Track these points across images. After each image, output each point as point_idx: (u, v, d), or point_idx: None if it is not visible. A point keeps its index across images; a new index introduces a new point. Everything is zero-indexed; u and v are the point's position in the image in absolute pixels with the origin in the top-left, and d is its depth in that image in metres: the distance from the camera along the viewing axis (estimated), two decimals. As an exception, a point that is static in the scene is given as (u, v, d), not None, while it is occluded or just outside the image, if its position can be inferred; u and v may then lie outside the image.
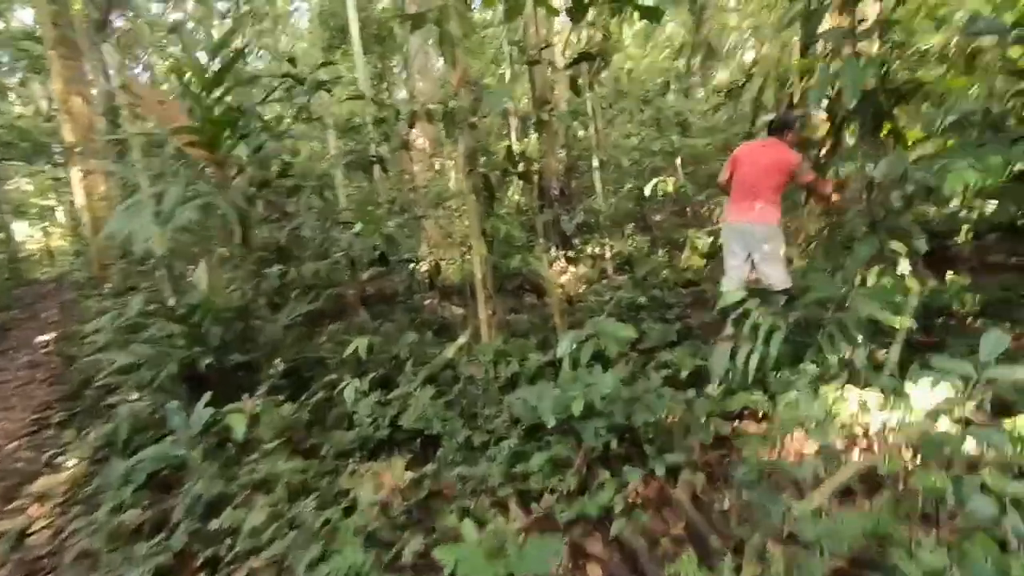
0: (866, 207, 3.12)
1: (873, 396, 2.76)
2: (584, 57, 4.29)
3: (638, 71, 11.79)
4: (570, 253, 7.65)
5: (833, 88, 3.32)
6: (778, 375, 2.99)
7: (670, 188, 6.53)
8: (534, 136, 9.09)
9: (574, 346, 3.60)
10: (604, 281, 6.92)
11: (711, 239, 7.37)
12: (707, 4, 12.26)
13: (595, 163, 7.01)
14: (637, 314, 4.79)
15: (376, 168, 6.56)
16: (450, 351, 3.90)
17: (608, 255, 6.88)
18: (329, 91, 5.38)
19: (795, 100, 10.02)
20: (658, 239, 7.59)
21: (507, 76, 9.86)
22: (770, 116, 4.76)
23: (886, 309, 2.91)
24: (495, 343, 3.83)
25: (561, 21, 8.27)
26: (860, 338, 2.85)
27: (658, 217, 7.61)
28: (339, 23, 17.56)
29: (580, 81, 5.34)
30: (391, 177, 6.90)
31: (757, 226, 4.21)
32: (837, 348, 2.93)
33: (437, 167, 8.24)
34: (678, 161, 7.15)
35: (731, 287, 4.41)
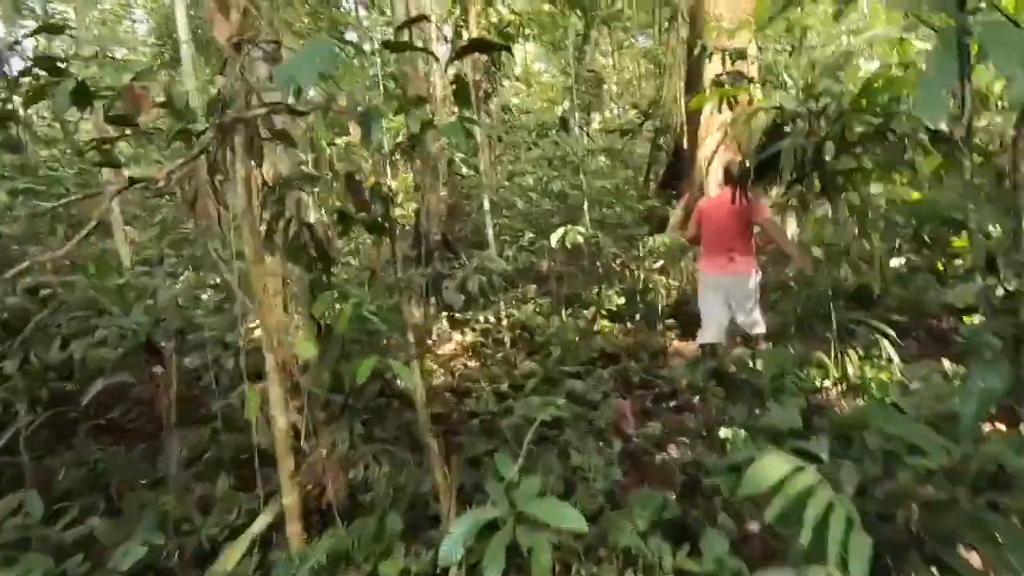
0: (987, 307, 1.84)
1: None
2: (478, 46, 2.77)
3: (526, 105, 10.76)
4: (455, 314, 6.03)
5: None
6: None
7: (580, 239, 5.20)
8: (407, 170, 7.46)
9: (469, 543, 1.93)
10: (500, 355, 5.35)
11: (623, 299, 6.17)
12: (585, 51, 11.76)
13: (485, 204, 5.52)
14: (559, 432, 3.23)
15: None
16: (230, 560, 2.01)
17: (504, 322, 5.35)
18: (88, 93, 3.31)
19: (684, 144, 9.54)
20: (562, 297, 6.23)
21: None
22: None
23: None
24: (323, 542, 2.01)
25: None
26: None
27: (562, 270, 6.26)
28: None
29: (467, 79, 3.87)
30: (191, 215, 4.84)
31: (735, 278, 4.23)
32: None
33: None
34: (585, 205, 5.88)
35: (710, 337, 4.35)
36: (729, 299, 4.20)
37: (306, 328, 2.64)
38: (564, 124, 7.17)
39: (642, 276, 5.91)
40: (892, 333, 3.50)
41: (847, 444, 2.68)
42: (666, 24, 11.40)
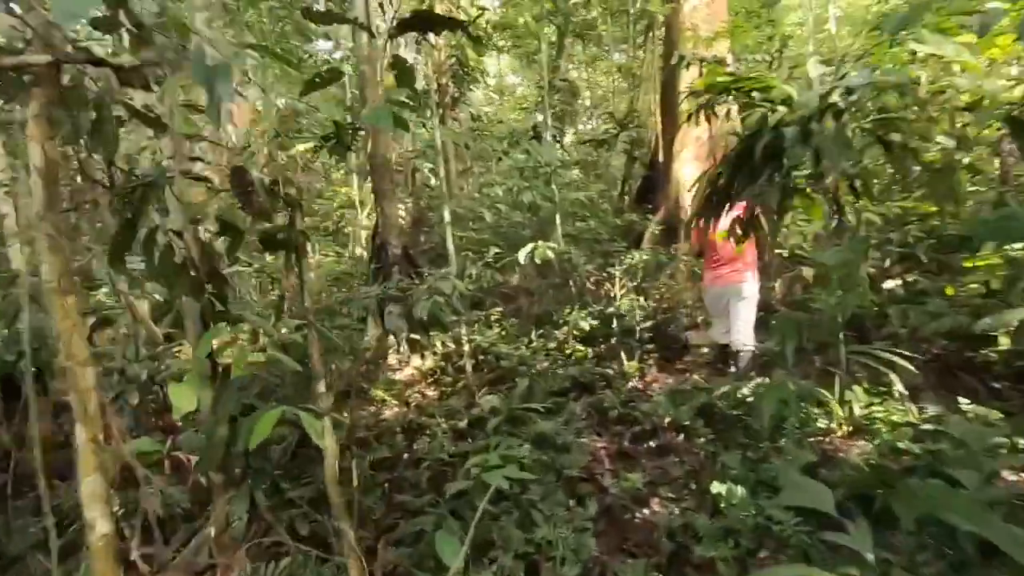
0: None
1: None
2: (423, 20, 2.26)
3: (498, 115, 10.33)
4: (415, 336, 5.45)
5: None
6: None
7: (551, 255, 4.70)
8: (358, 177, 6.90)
9: None
10: (460, 384, 4.80)
11: (597, 320, 5.69)
12: (559, 63, 11.44)
13: (446, 216, 4.99)
14: (521, 491, 2.68)
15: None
16: None
17: (466, 347, 4.81)
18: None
19: (659, 155, 9.20)
20: (532, 318, 5.72)
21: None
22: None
23: None
24: None
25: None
26: None
27: (532, 288, 5.76)
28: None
29: (407, 56, 3.39)
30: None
31: (732, 287, 4.38)
32: None
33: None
34: (558, 219, 5.40)
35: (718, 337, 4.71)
36: (727, 309, 4.40)
37: (197, 369, 2.06)
38: (537, 134, 6.71)
39: (618, 295, 5.44)
40: (909, 365, 3.06)
41: (868, 503, 2.21)
42: (641, 36, 11.15)
